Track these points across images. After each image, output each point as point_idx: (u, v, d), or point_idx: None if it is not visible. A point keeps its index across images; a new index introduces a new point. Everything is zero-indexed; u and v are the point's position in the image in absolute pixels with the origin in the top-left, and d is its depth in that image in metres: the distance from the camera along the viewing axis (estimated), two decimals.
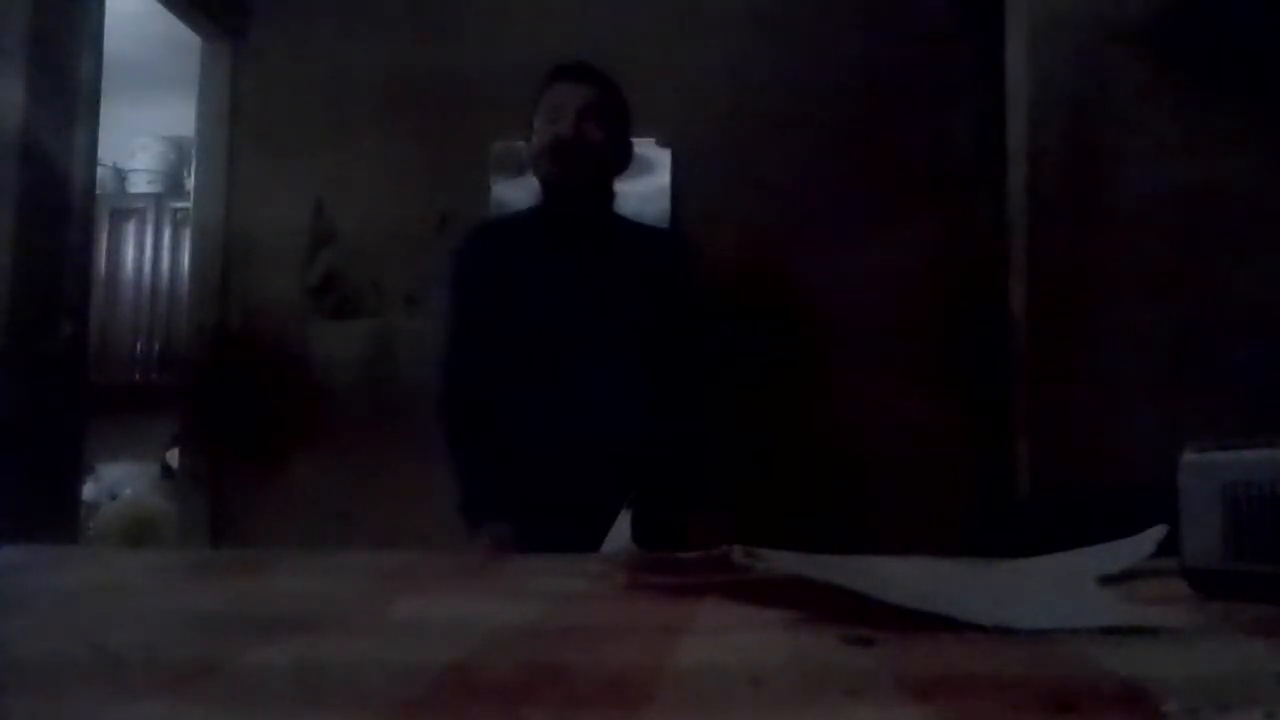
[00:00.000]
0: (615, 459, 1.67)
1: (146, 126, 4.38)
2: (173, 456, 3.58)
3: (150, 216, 4.39)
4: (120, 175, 4.51)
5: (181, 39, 2.89)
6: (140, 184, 4.50)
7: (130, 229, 4.37)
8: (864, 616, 0.43)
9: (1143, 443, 1.80)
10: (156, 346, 4.26)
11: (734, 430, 2.36)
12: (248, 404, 2.74)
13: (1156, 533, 0.59)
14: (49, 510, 2.00)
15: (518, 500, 1.73)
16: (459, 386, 1.84)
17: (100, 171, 2.57)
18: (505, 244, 1.86)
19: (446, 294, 1.91)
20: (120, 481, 4.14)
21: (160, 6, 2.68)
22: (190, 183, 3.39)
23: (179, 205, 4.26)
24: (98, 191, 2.35)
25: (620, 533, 0.64)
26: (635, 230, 1.95)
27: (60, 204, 2.05)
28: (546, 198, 1.84)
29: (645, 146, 2.41)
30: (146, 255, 4.36)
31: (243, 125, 2.82)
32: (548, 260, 1.81)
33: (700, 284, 1.91)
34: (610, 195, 1.88)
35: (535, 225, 1.85)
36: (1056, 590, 0.53)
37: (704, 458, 1.92)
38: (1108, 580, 0.55)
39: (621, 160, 1.87)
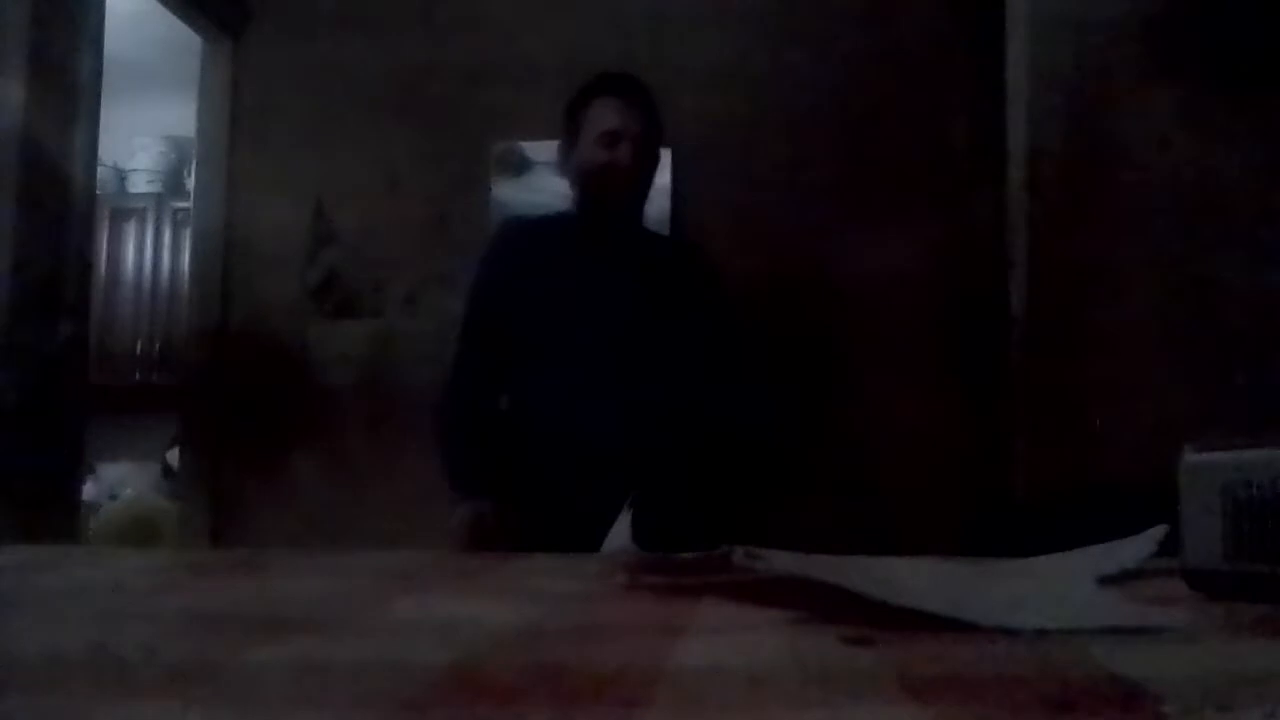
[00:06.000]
0: (626, 460, 1.67)
1: (146, 126, 4.39)
2: (173, 456, 3.58)
3: (150, 216, 4.39)
4: (120, 175, 4.51)
5: (181, 39, 2.89)
6: (140, 184, 4.51)
7: (130, 229, 4.37)
8: (864, 616, 0.43)
9: (1143, 443, 1.80)
10: (156, 346, 4.26)
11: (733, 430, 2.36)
12: (248, 404, 2.74)
13: (1156, 533, 0.59)
14: (49, 510, 2.00)
15: (520, 494, 1.73)
16: (463, 376, 1.83)
17: (100, 171, 2.57)
18: (541, 244, 1.86)
19: (473, 278, 1.89)
20: (120, 481, 4.14)
21: (160, 6, 2.68)
22: (190, 183, 3.39)
23: (179, 205, 4.27)
24: (98, 191, 2.35)
25: (620, 533, 0.64)
26: (657, 240, 1.99)
27: (60, 204, 2.05)
28: (587, 210, 1.84)
29: None
30: (146, 255, 4.36)
31: (243, 125, 2.82)
32: (582, 267, 1.81)
33: (724, 293, 1.94)
34: (643, 206, 1.89)
35: (571, 231, 1.85)
36: (1056, 590, 0.53)
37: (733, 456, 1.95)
38: (1108, 580, 0.55)
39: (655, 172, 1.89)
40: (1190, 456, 0.53)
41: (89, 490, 3.58)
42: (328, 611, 0.50)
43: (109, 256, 4.26)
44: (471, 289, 1.87)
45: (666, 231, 2.50)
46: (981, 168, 2.50)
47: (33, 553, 0.73)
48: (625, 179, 1.78)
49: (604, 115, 1.78)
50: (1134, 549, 0.59)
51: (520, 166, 2.68)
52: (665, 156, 2.60)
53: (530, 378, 1.79)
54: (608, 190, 1.79)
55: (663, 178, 2.61)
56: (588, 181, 1.81)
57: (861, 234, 2.59)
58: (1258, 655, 0.40)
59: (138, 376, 4.26)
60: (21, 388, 1.91)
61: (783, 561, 0.50)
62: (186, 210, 3.60)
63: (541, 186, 2.59)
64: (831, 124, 2.64)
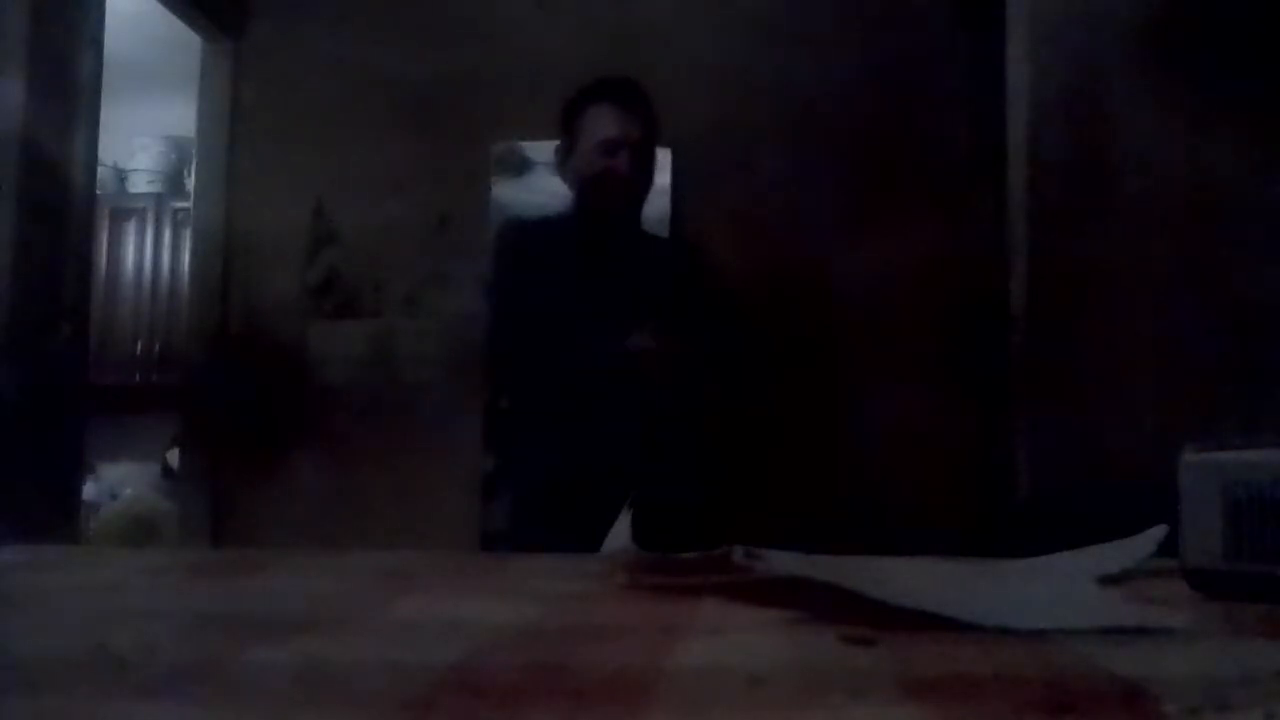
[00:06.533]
0: (626, 461, 1.67)
1: (146, 126, 4.38)
2: (173, 456, 3.58)
3: (150, 216, 4.39)
4: (120, 175, 4.51)
5: (181, 39, 2.88)
6: (140, 184, 4.50)
7: (130, 229, 4.37)
8: (864, 616, 0.43)
9: (1143, 443, 1.80)
10: (156, 346, 4.26)
11: (733, 431, 2.36)
12: (248, 404, 2.74)
13: (1156, 533, 0.59)
14: (49, 510, 2.00)
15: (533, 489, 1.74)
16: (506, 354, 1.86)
17: (100, 171, 2.57)
18: (541, 245, 1.86)
19: (493, 277, 1.93)
20: (120, 481, 4.14)
21: (160, 6, 2.68)
22: (190, 183, 3.39)
23: (179, 205, 4.26)
24: (98, 191, 2.34)
25: (620, 533, 0.64)
26: (656, 241, 1.99)
27: (60, 204, 2.05)
28: (585, 214, 1.83)
29: None
30: (146, 255, 4.36)
31: (243, 125, 2.82)
32: (580, 268, 1.81)
33: (718, 294, 1.94)
34: (641, 209, 1.89)
35: (570, 233, 1.85)
36: (1056, 590, 0.53)
37: (712, 463, 1.96)
38: (1108, 580, 0.55)
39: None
40: (1190, 456, 0.53)
41: (89, 490, 3.58)
42: (328, 611, 0.50)
43: (109, 256, 4.25)
44: (494, 288, 1.89)
45: (666, 232, 2.50)
46: (981, 168, 2.50)
47: (33, 553, 0.73)
48: (624, 186, 1.78)
49: (602, 123, 1.78)
50: (1134, 549, 0.59)
51: (520, 166, 2.68)
52: (665, 156, 2.60)
53: (530, 378, 1.79)
54: (606, 197, 1.79)
55: (663, 178, 2.60)
56: (586, 188, 1.81)
57: (862, 234, 2.59)
58: (1258, 655, 0.40)
59: (138, 376, 4.25)
60: (21, 388, 1.91)
61: (783, 561, 0.50)
62: (186, 210, 3.60)
63: (541, 187, 2.58)
64: (832, 124, 2.64)
